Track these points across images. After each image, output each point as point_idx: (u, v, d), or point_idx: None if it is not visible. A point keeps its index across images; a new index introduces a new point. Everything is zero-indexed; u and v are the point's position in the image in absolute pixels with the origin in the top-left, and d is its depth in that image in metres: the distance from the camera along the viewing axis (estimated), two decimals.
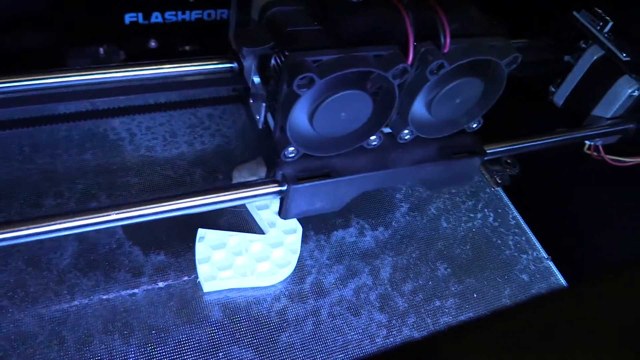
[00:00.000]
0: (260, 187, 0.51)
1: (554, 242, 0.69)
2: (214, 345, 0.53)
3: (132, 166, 0.64)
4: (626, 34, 0.64)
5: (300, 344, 0.54)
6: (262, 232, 0.61)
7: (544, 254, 0.68)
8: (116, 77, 0.54)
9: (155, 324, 0.53)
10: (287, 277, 0.59)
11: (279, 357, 0.53)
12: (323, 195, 0.53)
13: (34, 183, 0.60)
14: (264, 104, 0.51)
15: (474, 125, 0.57)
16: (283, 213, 0.53)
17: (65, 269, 0.55)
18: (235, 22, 0.55)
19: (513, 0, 0.73)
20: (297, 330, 0.55)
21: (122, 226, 0.58)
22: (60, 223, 0.45)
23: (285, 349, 0.54)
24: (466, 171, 0.59)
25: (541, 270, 0.66)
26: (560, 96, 0.69)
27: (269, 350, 0.53)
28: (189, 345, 0.52)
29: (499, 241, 0.68)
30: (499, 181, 0.73)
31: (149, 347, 0.51)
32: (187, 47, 0.74)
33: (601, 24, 0.64)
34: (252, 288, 0.57)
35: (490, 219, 0.70)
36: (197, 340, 0.53)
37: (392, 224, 0.66)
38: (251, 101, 0.53)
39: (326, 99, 0.46)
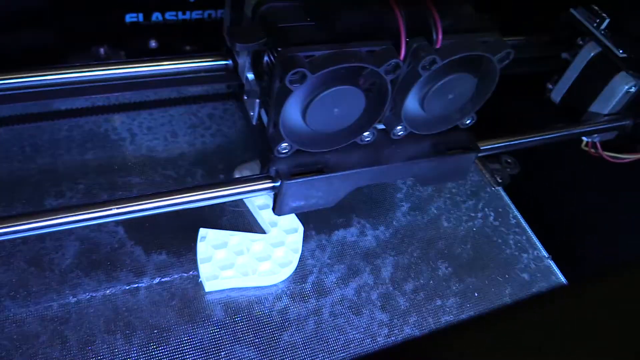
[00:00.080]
0: (254, 183, 0.52)
1: (554, 241, 0.69)
2: (216, 344, 0.53)
3: (133, 166, 0.64)
4: (623, 30, 0.64)
5: (302, 343, 0.54)
6: (263, 232, 0.61)
7: (544, 253, 0.68)
8: (109, 74, 0.55)
9: (157, 323, 0.53)
10: (289, 277, 0.59)
11: (280, 356, 0.53)
12: (317, 191, 0.53)
13: (36, 183, 0.60)
14: (257, 100, 0.51)
15: (468, 122, 0.57)
16: (277, 209, 0.54)
17: (67, 268, 0.55)
18: (229, 19, 0.56)
19: None
20: (299, 330, 0.55)
21: (124, 226, 0.59)
22: (60, 218, 0.46)
23: (287, 348, 0.54)
24: (460, 167, 0.60)
25: (542, 269, 0.66)
26: (557, 93, 0.69)
27: (271, 349, 0.53)
28: (191, 345, 0.52)
29: (500, 240, 0.68)
30: (500, 180, 0.73)
31: (151, 346, 0.51)
32: (187, 47, 0.74)
33: (598, 20, 0.64)
34: (254, 287, 0.57)
35: (491, 218, 0.70)
36: (199, 339, 0.53)
37: (392, 224, 0.67)
38: (245, 98, 0.53)
39: (319, 95, 0.46)
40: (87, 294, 0.54)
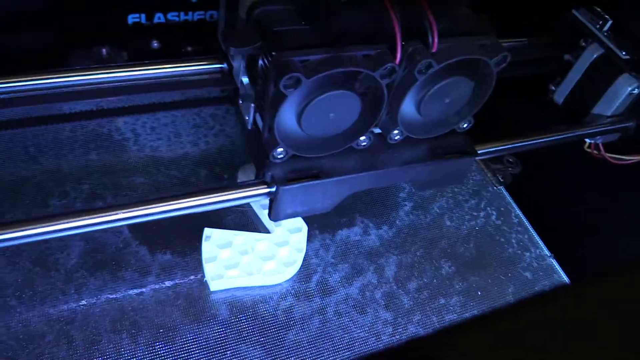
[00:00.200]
0: (249, 189, 0.51)
1: (556, 240, 0.69)
2: (222, 343, 0.53)
3: (137, 166, 0.64)
4: (625, 32, 0.64)
5: (307, 342, 0.55)
6: (267, 231, 0.61)
7: (546, 252, 0.68)
8: (107, 77, 0.55)
9: (162, 322, 0.53)
10: (293, 276, 0.59)
11: (286, 355, 0.53)
12: (313, 196, 0.52)
13: (40, 183, 0.60)
14: (252, 105, 0.51)
15: (465, 125, 0.56)
16: (273, 215, 0.52)
17: (73, 268, 0.55)
18: (224, 22, 0.55)
19: None
20: (304, 328, 0.56)
21: (129, 226, 0.59)
22: (66, 222, 0.45)
23: (292, 347, 0.54)
24: (457, 171, 0.59)
25: (544, 268, 0.66)
26: (560, 95, 0.70)
27: (277, 348, 0.54)
28: (196, 344, 0.52)
29: (502, 239, 0.68)
30: (502, 180, 0.74)
31: (157, 345, 0.52)
32: (189, 48, 0.74)
33: (601, 22, 0.64)
34: (259, 287, 0.58)
35: (493, 218, 0.70)
36: (205, 338, 0.53)
37: (396, 223, 0.67)
38: (240, 102, 0.52)
39: (314, 99, 0.45)
40: (93, 293, 0.54)
